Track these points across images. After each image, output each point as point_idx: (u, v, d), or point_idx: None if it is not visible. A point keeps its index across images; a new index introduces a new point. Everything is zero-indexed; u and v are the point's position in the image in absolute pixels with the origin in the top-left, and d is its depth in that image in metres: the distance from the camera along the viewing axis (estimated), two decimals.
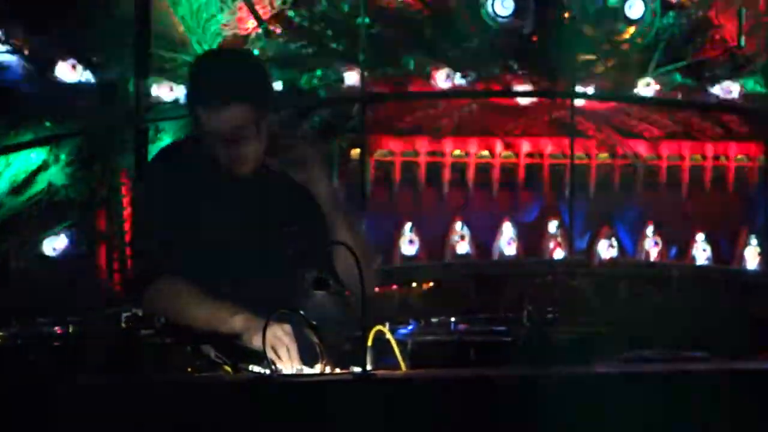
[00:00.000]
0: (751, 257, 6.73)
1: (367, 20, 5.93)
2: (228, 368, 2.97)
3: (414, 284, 6.12)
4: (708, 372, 3.08)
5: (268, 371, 2.86)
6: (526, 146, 6.43)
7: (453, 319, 3.48)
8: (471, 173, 6.38)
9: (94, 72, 5.81)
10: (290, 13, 6.07)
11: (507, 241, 6.39)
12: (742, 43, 6.57)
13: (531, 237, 6.49)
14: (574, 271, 6.30)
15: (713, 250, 6.70)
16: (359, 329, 2.80)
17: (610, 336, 3.69)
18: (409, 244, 6.26)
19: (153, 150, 5.65)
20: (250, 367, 2.93)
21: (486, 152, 6.44)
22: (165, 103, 5.83)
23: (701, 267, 6.66)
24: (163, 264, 3.27)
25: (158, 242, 3.30)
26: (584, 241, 6.56)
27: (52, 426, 2.45)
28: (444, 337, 3.31)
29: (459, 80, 6.26)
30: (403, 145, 6.25)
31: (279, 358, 3.05)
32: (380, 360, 2.91)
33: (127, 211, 5.58)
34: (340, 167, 6.07)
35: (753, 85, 6.66)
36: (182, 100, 5.59)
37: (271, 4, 6.04)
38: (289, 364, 3.04)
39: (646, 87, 6.51)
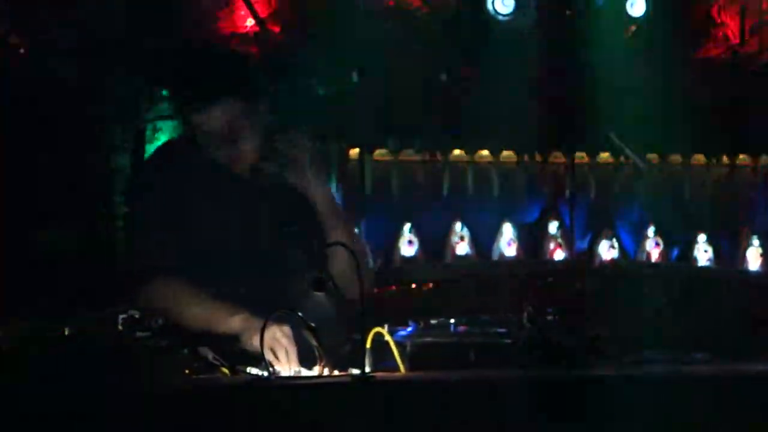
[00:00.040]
0: (753, 258, 6.74)
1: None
2: (226, 370, 2.97)
3: (413, 285, 6.13)
4: (710, 374, 3.09)
5: (266, 373, 2.86)
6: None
7: (452, 320, 3.48)
8: (471, 174, 6.39)
9: (92, 68, 5.81)
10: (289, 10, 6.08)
11: (507, 242, 6.40)
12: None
13: (531, 238, 6.50)
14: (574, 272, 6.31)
15: (715, 251, 6.71)
16: (358, 331, 2.81)
17: (611, 337, 3.69)
18: (408, 245, 6.26)
19: (150, 150, 5.65)
20: (248, 369, 2.93)
21: (486, 153, 6.44)
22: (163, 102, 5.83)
23: (703, 268, 6.67)
24: (160, 263, 3.28)
25: (156, 241, 3.31)
26: (585, 242, 6.57)
27: (50, 427, 2.45)
28: (443, 339, 3.30)
29: None
30: (402, 145, 6.26)
31: (278, 359, 3.05)
32: (379, 362, 2.91)
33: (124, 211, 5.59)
34: (339, 167, 6.07)
35: None
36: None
37: (269, 2, 6.06)
38: (287, 366, 3.05)
39: None
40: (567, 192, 6.45)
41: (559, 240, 6.47)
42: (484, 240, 6.43)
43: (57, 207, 5.67)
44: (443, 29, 6.27)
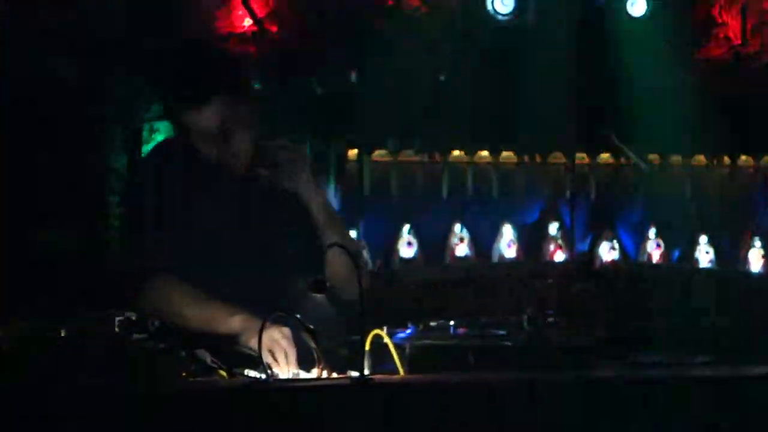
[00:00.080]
0: (755, 259, 6.75)
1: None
2: (223, 373, 2.97)
3: (412, 287, 6.12)
4: (711, 377, 3.09)
5: (264, 376, 2.86)
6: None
7: (452, 322, 3.48)
8: (471, 175, 6.39)
9: (88, 68, 5.81)
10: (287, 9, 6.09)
11: (507, 244, 6.40)
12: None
13: (531, 239, 6.50)
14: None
15: (716, 252, 6.72)
16: (357, 333, 2.81)
17: (611, 340, 3.70)
18: (407, 246, 6.26)
19: (147, 150, 5.65)
20: (246, 372, 2.93)
21: (485, 154, 6.45)
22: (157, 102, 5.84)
23: (704, 269, 6.67)
24: (158, 263, 3.28)
25: (153, 241, 3.31)
26: (585, 244, 6.57)
27: (48, 428, 2.45)
28: (443, 341, 3.31)
29: None
30: (402, 146, 6.26)
31: (276, 361, 3.05)
32: (378, 364, 2.91)
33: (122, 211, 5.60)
34: (338, 168, 6.07)
35: None
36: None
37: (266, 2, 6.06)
38: (285, 369, 3.05)
39: None
40: (567, 193, 6.45)
41: (560, 241, 6.47)
42: (483, 241, 6.43)
43: (57, 207, 5.67)
44: (442, 28, 6.27)
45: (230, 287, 3.28)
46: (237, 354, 3.08)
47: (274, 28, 6.08)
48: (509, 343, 3.27)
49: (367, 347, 2.81)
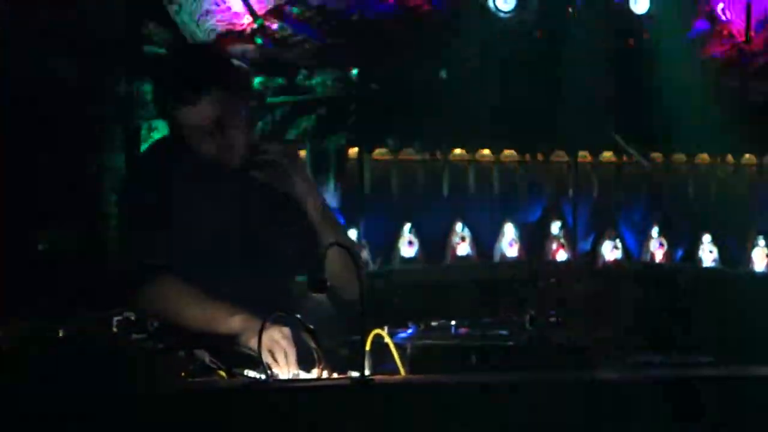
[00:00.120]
0: (760, 259, 6.74)
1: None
2: (223, 373, 2.97)
3: (413, 286, 6.12)
4: (715, 377, 3.08)
5: (263, 376, 2.86)
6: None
7: (453, 322, 3.48)
8: (472, 173, 6.39)
9: (86, 67, 5.81)
10: (290, 7, 6.08)
11: (509, 243, 6.40)
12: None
13: (533, 239, 6.49)
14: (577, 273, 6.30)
15: (720, 252, 6.71)
16: (357, 333, 2.81)
17: (614, 340, 3.70)
18: (408, 246, 6.26)
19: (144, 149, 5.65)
20: (246, 372, 2.93)
21: (487, 152, 6.44)
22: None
23: (708, 269, 6.67)
24: (156, 262, 3.28)
25: (150, 240, 3.31)
26: (588, 243, 6.57)
27: (46, 429, 2.45)
28: (444, 341, 3.30)
29: None
30: (402, 144, 6.26)
31: (276, 362, 3.05)
32: (379, 364, 2.91)
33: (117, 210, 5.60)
34: (338, 167, 6.07)
35: None
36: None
37: None
38: (285, 369, 3.04)
39: None
40: (570, 191, 6.44)
41: (562, 240, 6.46)
42: (485, 240, 6.43)
43: (57, 207, 5.67)
44: (444, 26, 6.26)
45: (226, 286, 3.28)
46: (236, 354, 3.08)
47: (274, 26, 6.07)
48: (511, 343, 3.26)
49: (367, 347, 2.81)
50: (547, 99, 6.30)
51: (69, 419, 2.46)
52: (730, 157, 6.80)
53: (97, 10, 5.77)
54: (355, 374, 2.79)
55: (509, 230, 6.42)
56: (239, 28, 6.06)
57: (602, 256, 6.54)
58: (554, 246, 6.47)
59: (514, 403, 2.73)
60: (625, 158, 6.56)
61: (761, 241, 6.75)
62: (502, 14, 6.29)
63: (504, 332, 3.37)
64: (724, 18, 6.66)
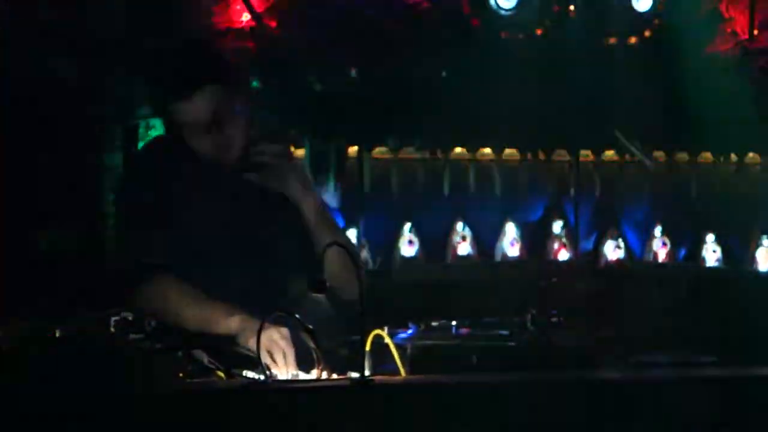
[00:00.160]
0: (763, 258, 6.74)
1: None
2: (221, 374, 2.97)
3: (414, 286, 6.12)
4: (718, 378, 3.08)
5: (262, 377, 2.86)
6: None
7: (454, 322, 3.48)
8: (473, 173, 6.38)
9: (84, 66, 5.82)
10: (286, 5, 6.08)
11: (510, 242, 6.40)
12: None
13: (535, 238, 6.49)
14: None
15: (723, 251, 6.71)
16: (357, 333, 2.81)
17: (616, 340, 3.70)
18: (408, 245, 6.26)
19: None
20: (244, 373, 2.93)
21: (488, 151, 6.44)
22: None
23: (711, 268, 6.67)
24: (154, 261, 3.28)
25: (148, 239, 3.31)
26: (590, 242, 6.57)
27: (45, 429, 2.45)
28: (445, 341, 3.31)
29: None
30: (402, 143, 6.26)
31: (275, 362, 3.05)
32: (379, 365, 2.91)
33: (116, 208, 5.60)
34: (338, 166, 6.07)
35: None
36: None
37: None
38: (284, 370, 3.04)
39: None
40: (571, 190, 6.44)
41: (564, 240, 6.46)
42: (486, 240, 6.43)
43: (56, 207, 5.68)
44: (445, 24, 6.26)
45: (223, 285, 3.28)
46: (235, 354, 3.08)
47: (273, 24, 6.07)
48: (513, 344, 3.26)
49: (367, 348, 2.81)
50: (549, 97, 6.30)
51: (67, 419, 2.46)
52: (733, 156, 6.79)
53: (97, 10, 5.78)
54: (354, 375, 2.79)
55: (510, 229, 6.42)
56: (238, 26, 6.06)
57: (604, 256, 6.54)
58: (556, 245, 6.47)
59: (515, 403, 2.73)
60: (627, 157, 6.55)
61: (765, 241, 6.75)
62: (503, 12, 6.29)
63: (505, 332, 3.37)
64: (727, 15, 6.66)
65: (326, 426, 2.58)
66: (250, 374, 2.91)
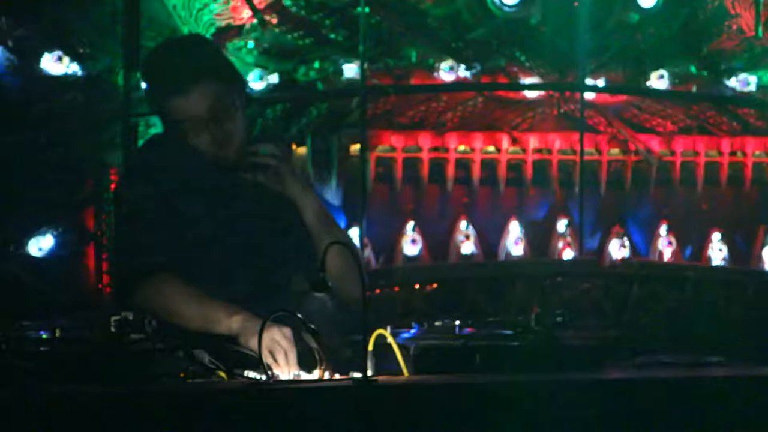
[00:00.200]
0: None
1: (367, 9, 5.91)
2: (222, 374, 2.97)
3: (417, 286, 6.12)
4: (725, 378, 3.08)
5: (264, 377, 2.86)
6: (533, 142, 6.42)
7: (458, 322, 3.48)
8: (476, 170, 6.38)
9: (81, 64, 5.82)
10: (287, 1, 6.07)
11: (514, 241, 6.40)
12: (760, 33, 6.57)
13: (539, 236, 6.49)
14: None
15: (730, 250, 6.70)
16: (359, 333, 2.81)
17: (622, 340, 3.70)
18: (411, 244, 6.26)
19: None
20: (246, 373, 2.93)
21: (492, 148, 6.43)
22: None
23: (717, 267, 6.66)
24: (155, 260, 3.28)
25: (150, 238, 3.31)
26: (595, 241, 6.56)
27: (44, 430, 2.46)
28: (448, 342, 3.30)
29: (463, 72, 6.26)
30: (405, 141, 6.25)
31: (276, 362, 3.05)
32: (382, 365, 2.91)
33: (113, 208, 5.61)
34: (340, 163, 6.07)
35: None
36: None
37: None
38: (286, 370, 3.04)
39: (660, 80, 6.51)
40: (576, 189, 6.44)
41: (568, 238, 6.46)
42: (490, 238, 6.42)
43: (56, 206, 5.68)
44: (447, 20, 6.26)
45: (223, 285, 3.28)
46: (236, 354, 3.08)
47: (274, 20, 6.07)
48: (516, 344, 3.26)
49: (370, 347, 2.81)
50: (553, 95, 6.31)
51: (67, 419, 2.46)
52: (740, 154, 6.78)
53: (93, 4, 5.78)
54: (357, 375, 2.79)
55: (514, 228, 6.42)
56: (239, 23, 6.06)
57: (609, 255, 6.53)
58: (560, 244, 6.46)
59: (519, 403, 2.73)
60: (631, 146, 6.54)
61: None
62: (506, 8, 6.28)
63: (509, 332, 3.36)
64: (733, 12, 6.65)
65: (328, 427, 2.58)
66: (252, 374, 2.91)
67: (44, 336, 3.10)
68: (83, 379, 2.72)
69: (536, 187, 6.50)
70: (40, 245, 5.67)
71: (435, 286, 6.16)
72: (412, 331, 3.39)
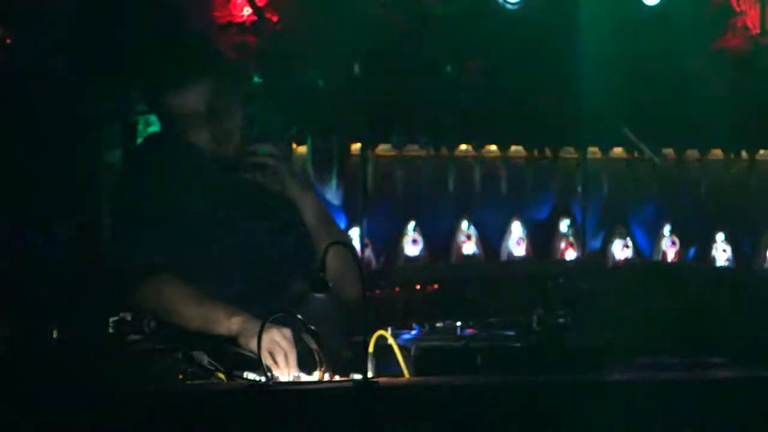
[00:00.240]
0: None
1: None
2: (222, 375, 2.98)
3: (418, 286, 6.12)
4: (728, 379, 3.09)
5: (263, 378, 2.87)
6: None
7: (459, 323, 3.48)
8: (478, 169, 6.39)
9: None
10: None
11: (516, 241, 6.40)
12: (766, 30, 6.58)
13: (541, 237, 6.49)
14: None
15: (734, 251, 6.71)
16: (360, 334, 2.81)
17: (624, 341, 3.70)
18: (412, 244, 6.26)
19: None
20: (245, 374, 2.94)
21: (494, 147, 6.44)
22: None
23: (721, 268, 6.66)
24: (155, 260, 3.29)
25: (149, 239, 3.31)
26: (598, 241, 6.57)
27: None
28: (449, 343, 3.31)
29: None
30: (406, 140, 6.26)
31: (276, 364, 3.05)
32: (382, 367, 2.91)
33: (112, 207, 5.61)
34: (340, 163, 6.07)
35: None
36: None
37: None
38: (286, 371, 3.05)
39: None
40: (579, 189, 6.44)
41: (571, 239, 6.46)
42: (492, 239, 6.43)
43: (55, 205, 5.69)
44: (450, 19, 6.26)
45: (223, 285, 3.29)
46: (236, 356, 3.08)
47: (275, 18, 6.08)
48: (518, 345, 3.27)
49: (370, 349, 2.82)
50: (556, 94, 6.30)
51: (66, 420, 2.47)
52: (744, 154, 6.79)
53: (92, 3, 5.79)
54: (358, 376, 2.80)
55: (517, 228, 6.42)
56: (239, 20, 6.06)
57: (612, 255, 6.53)
58: (563, 244, 6.47)
59: (521, 405, 2.74)
60: (636, 154, 6.55)
61: None
62: (509, 6, 6.29)
63: (511, 333, 3.37)
64: (738, 9, 6.66)
65: (328, 429, 2.59)
66: (251, 376, 2.92)
67: (44, 336, 3.11)
68: (82, 380, 2.73)
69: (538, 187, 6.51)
70: (39, 243, 5.68)
71: (436, 286, 6.16)
72: (413, 332, 3.39)
